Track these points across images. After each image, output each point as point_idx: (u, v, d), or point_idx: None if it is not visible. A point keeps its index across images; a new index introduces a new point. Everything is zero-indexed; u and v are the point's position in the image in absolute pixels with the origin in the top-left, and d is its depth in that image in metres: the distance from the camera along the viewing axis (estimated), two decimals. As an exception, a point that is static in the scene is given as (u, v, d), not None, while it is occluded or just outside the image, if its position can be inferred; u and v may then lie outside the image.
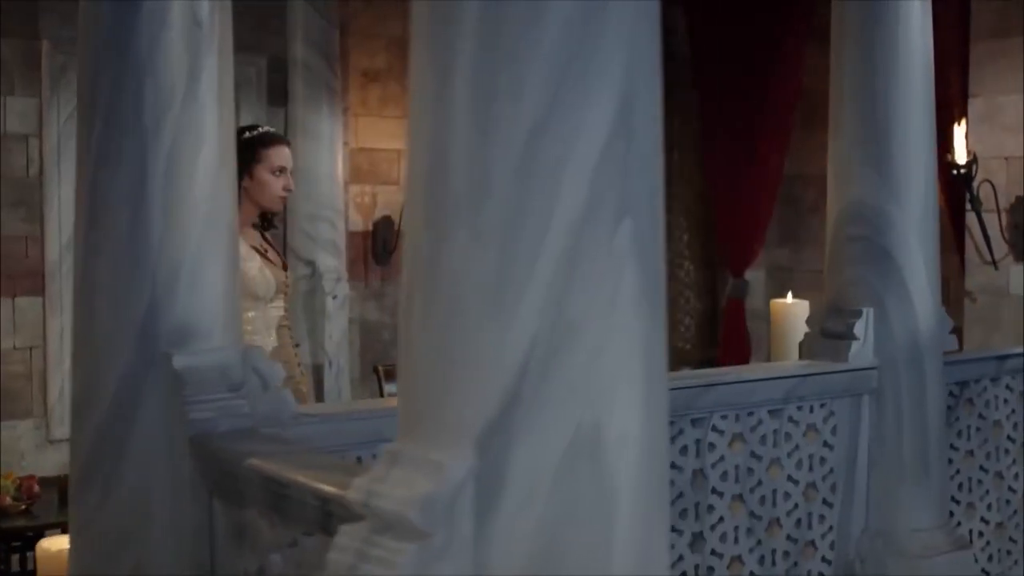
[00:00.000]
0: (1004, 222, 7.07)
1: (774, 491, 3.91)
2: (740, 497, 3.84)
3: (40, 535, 5.00)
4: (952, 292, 7.73)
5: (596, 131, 1.67)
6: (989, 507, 4.51)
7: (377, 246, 7.94)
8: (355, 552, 1.76)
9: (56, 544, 4.19)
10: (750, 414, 3.84)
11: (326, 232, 7.30)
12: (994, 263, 7.08)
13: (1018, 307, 6.99)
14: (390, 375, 6.21)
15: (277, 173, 3.87)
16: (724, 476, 3.79)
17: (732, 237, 8.89)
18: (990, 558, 4.49)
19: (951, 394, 4.40)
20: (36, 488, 5.59)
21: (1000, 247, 7.07)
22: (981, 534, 4.48)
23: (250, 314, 3.79)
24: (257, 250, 3.87)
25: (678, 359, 9.31)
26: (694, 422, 3.72)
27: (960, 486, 4.43)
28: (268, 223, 4.08)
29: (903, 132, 4.05)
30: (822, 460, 4.03)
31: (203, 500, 2.74)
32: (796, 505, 3.96)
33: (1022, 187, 7.03)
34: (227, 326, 2.87)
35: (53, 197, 6.57)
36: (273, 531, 2.46)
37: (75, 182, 2.89)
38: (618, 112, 1.69)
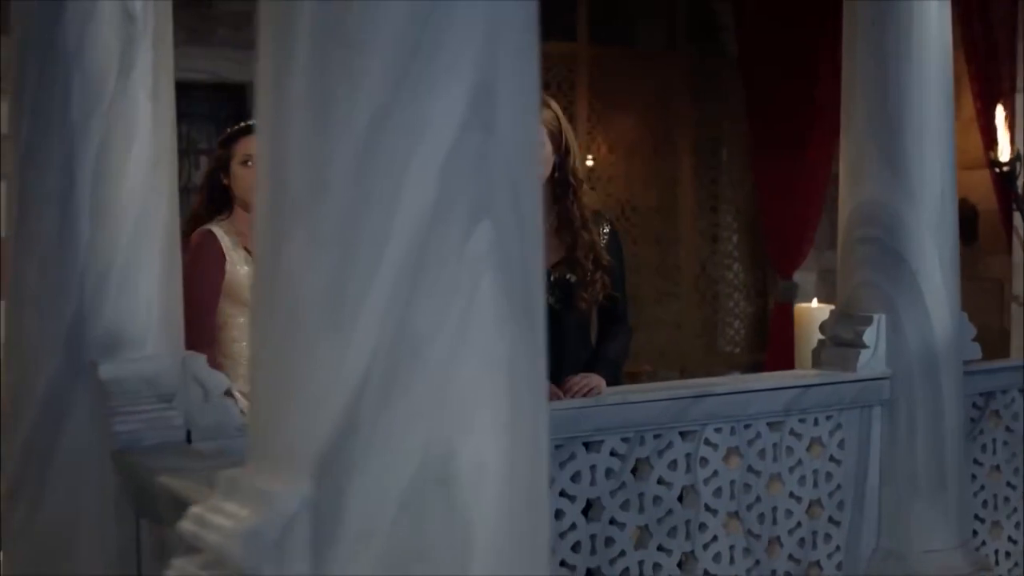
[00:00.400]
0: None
1: (774, 508, 3.69)
2: (736, 515, 3.62)
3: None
4: (1005, 295, 7.42)
5: (445, 123, 1.49)
6: (1017, 525, 4.23)
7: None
8: (182, 591, 1.60)
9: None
10: (747, 427, 3.62)
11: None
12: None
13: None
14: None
15: (250, 163, 3.73)
16: (718, 492, 3.58)
17: (780, 238, 8.63)
18: (1018, 580, 4.23)
19: (975, 405, 4.14)
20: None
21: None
22: (1008, 555, 4.22)
23: (240, 320, 3.65)
24: (251, 252, 3.72)
25: (727, 363, 9.08)
26: (684, 435, 3.51)
27: (985, 503, 4.17)
28: None
29: (917, 128, 3.81)
30: (828, 475, 3.80)
31: (130, 517, 2.60)
32: (799, 523, 3.74)
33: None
34: (161, 333, 2.73)
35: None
36: (184, 553, 2.30)
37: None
38: (472, 102, 1.50)
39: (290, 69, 1.52)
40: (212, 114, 7.22)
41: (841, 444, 3.81)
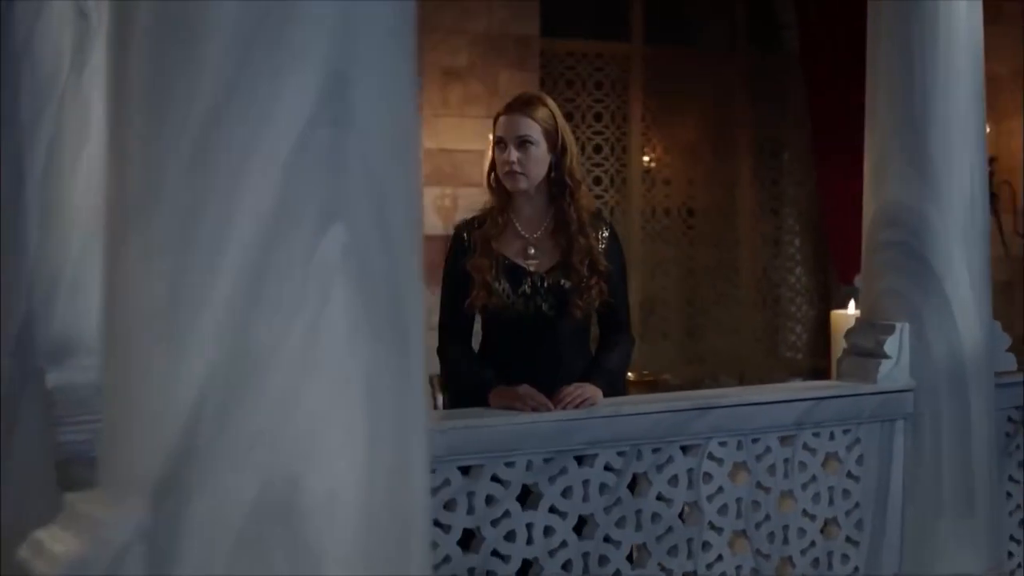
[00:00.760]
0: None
1: (785, 527, 3.50)
2: (743, 533, 3.44)
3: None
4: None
5: (291, 116, 1.36)
6: (1057, 547, 3.99)
7: (459, 250, 7.66)
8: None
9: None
10: (755, 441, 3.43)
11: (396, 236, 7.05)
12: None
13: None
14: (447, 386, 5.92)
15: None
16: (723, 510, 3.40)
17: (842, 242, 8.35)
18: (1058, 605, 3.99)
19: (1009, 419, 3.91)
20: None
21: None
22: (1048, 578, 3.98)
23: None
24: None
25: (788, 368, 8.84)
26: (686, 449, 3.34)
27: (1021, 523, 3.93)
28: None
29: (942, 125, 3.60)
30: (845, 493, 3.60)
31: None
32: (813, 543, 3.54)
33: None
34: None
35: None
36: None
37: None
38: (322, 94, 1.37)
39: (128, 63, 1.40)
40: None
41: (860, 460, 3.61)
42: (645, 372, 7.70)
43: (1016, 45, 7.66)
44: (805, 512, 3.53)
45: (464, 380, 3.41)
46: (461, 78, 7.75)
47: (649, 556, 3.29)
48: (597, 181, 8.53)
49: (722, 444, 3.38)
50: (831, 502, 3.57)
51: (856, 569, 3.60)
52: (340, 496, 1.38)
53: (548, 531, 3.17)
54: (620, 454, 3.24)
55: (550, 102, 3.39)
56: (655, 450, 3.29)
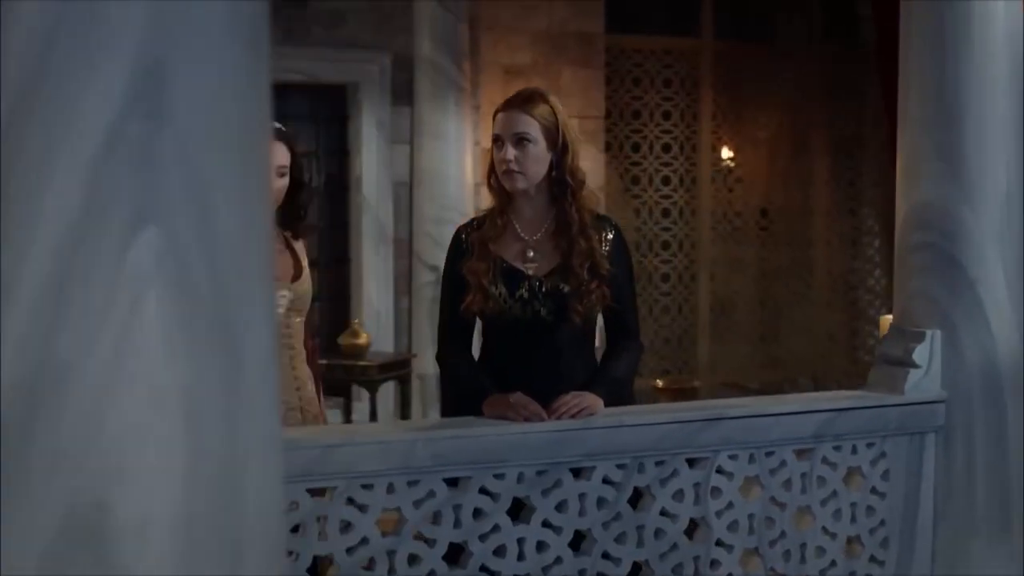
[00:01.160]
0: None
1: (803, 545, 3.32)
2: (756, 551, 3.26)
3: None
4: None
5: (98, 111, 1.25)
6: (1108, 570, 3.74)
7: (519, 251, 7.54)
8: None
9: None
10: (769, 454, 3.26)
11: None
12: None
13: None
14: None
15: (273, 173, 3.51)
16: (734, 526, 3.23)
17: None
18: (1107, 632, 3.73)
19: (1054, 433, 3.66)
20: None
21: None
22: (1097, 603, 3.72)
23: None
24: None
25: (866, 372, 8.54)
26: (692, 462, 3.17)
27: (1067, 544, 3.69)
28: (296, 232, 3.68)
29: (976, 122, 3.39)
30: (869, 510, 3.40)
31: None
32: (833, 562, 3.35)
33: None
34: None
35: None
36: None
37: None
38: (135, 86, 1.26)
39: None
40: (311, 115, 7.11)
41: (885, 475, 3.41)
42: (716, 375, 7.51)
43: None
44: (825, 530, 3.35)
45: (460, 387, 3.29)
46: (523, 76, 7.63)
47: (652, 574, 3.13)
48: (666, 181, 8.37)
49: (732, 457, 3.21)
50: (854, 519, 3.38)
51: (882, 590, 3.41)
52: (155, 520, 1.27)
53: (541, 546, 3.03)
54: (620, 467, 3.09)
55: (552, 99, 3.25)
56: (658, 463, 3.13)
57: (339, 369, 6.34)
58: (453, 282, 3.27)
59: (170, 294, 1.27)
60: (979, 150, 3.40)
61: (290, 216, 3.57)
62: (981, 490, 3.41)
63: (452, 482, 2.97)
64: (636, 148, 8.31)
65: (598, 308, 3.21)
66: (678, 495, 3.16)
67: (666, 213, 8.40)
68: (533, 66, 7.66)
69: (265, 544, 1.39)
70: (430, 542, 2.94)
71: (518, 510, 3.04)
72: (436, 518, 2.94)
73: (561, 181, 3.21)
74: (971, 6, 3.38)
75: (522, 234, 3.26)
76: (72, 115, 1.25)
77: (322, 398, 3.74)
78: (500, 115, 3.22)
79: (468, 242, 3.27)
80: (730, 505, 3.22)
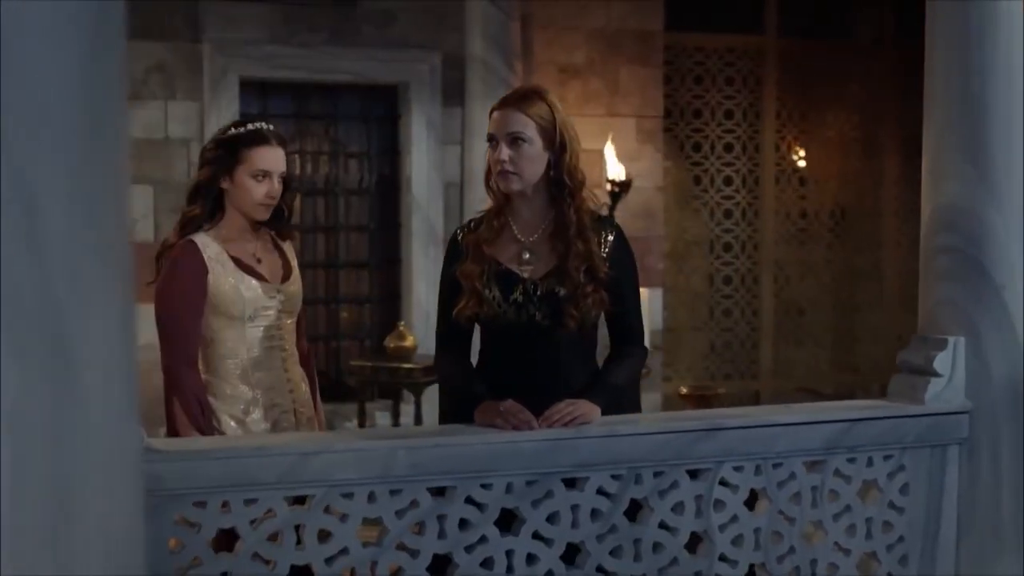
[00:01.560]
0: None
1: (813, 561, 3.18)
2: (763, 566, 3.13)
3: None
4: None
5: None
6: None
7: (576, 253, 7.42)
8: None
9: None
10: (776, 466, 3.12)
11: (503, 238, 6.88)
12: None
13: None
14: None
15: (259, 177, 3.42)
16: (738, 541, 3.10)
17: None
18: None
19: (1088, 446, 3.47)
20: None
21: None
22: None
23: (228, 334, 3.39)
24: (240, 262, 3.44)
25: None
26: (694, 473, 3.05)
27: (1104, 564, 3.50)
28: (282, 232, 3.63)
29: (1004, 119, 3.24)
30: (887, 525, 3.25)
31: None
32: (847, 579, 3.21)
33: None
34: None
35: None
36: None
37: None
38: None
39: None
40: (363, 115, 7.08)
41: (904, 489, 3.25)
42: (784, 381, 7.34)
43: None
44: (838, 545, 3.20)
45: (454, 394, 3.21)
46: (579, 75, 7.53)
47: (651, 589, 3.02)
48: (728, 181, 8.20)
49: (737, 469, 3.08)
50: (869, 535, 3.23)
51: (899, 610, 3.25)
52: (-32, 542, 1.20)
53: (531, 559, 2.94)
54: (615, 477, 2.98)
55: (550, 97, 3.14)
56: (657, 474, 3.01)
57: (384, 372, 6.28)
58: (449, 285, 3.18)
59: (-13, 301, 1.20)
60: (1006, 151, 3.23)
61: (273, 215, 3.51)
62: (1007, 506, 3.25)
63: (440, 492, 2.89)
64: (697, 148, 8.15)
65: (594, 312, 3.10)
66: (678, 507, 3.04)
67: (728, 214, 8.23)
68: (589, 65, 7.54)
69: (109, 562, 1.32)
70: (412, 552, 2.86)
71: (509, 521, 2.95)
72: (419, 528, 2.86)
73: (559, 182, 3.11)
74: (996, 5, 3.23)
75: (519, 236, 3.16)
76: None
77: (318, 400, 3.68)
78: (495, 114, 3.13)
79: (464, 244, 3.18)
80: (734, 518, 3.09)
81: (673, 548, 3.04)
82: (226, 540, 2.80)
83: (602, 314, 3.17)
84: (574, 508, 2.96)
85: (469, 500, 2.88)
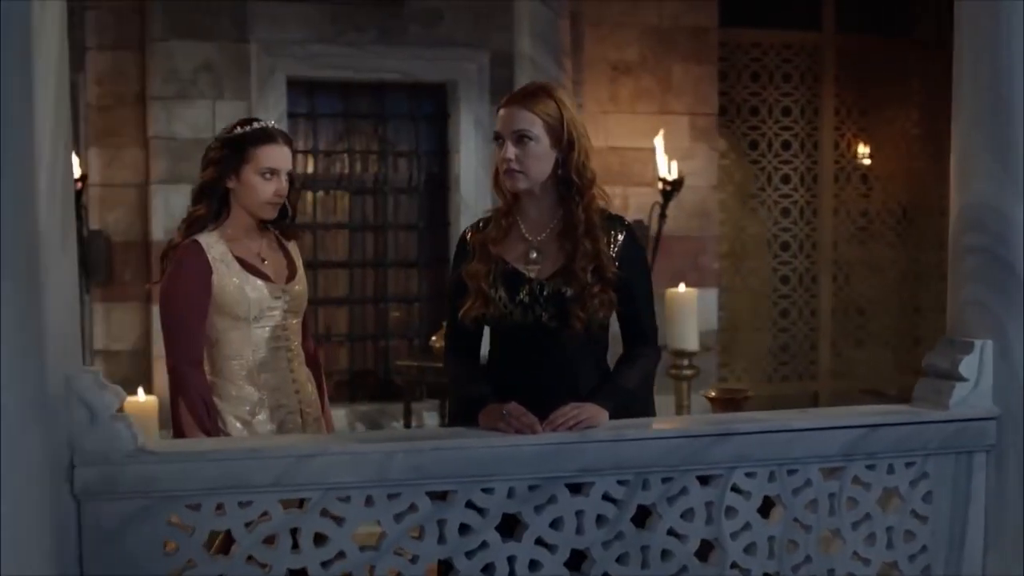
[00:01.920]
0: None
1: (830, 571, 3.08)
2: (778, 575, 3.04)
3: None
4: None
5: None
6: None
7: (629, 252, 7.33)
8: None
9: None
10: (792, 472, 3.03)
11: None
12: None
13: None
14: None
15: (267, 175, 3.40)
16: (751, 549, 3.02)
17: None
18: None
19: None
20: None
21: None
22: None
23: (234, 334, 3.37)
24: (245, 262, 3.42)
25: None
26: (705, 479, 2.97)
27: None
28: (286, 231, 3.59)
29: (1032, 111, 3.10)
30: (908, 534, 3.14)
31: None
32: (867, 589, 3.11)
33: None
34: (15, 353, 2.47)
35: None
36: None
37: None
38: None
39: None
40: (412, 114, 7.05)
41: (927, 497, 3.14)
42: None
43: None
44: (856, 555, 3.11)
45: (461, 396, 3.15)
46: (631, 73, 7.46)
47: (659, 597, 2.95)
48: (785, 179, 8.08)
49: (749, 475, 3.00)
50: (890, 544, 3.13)
51: (923, 622, 3.14)
52: None
53: (534, 565, 2.88)
54: (621, 483, 2.91)
55: (559, 94, 3.08)
56: (665, 479, 2.94)
57: (431, 371, 6.25)
58: (456, 286, 3.14)
59: None
60: (1033, 142, 3.11)
61: (279, 214, 3.49)
62: (1037, 516, 3.13)
63: (440, 496, 2.84)
64: (754, 146, 8.02)
65: (602, 314, 3.03)
66: (687, 514, 2.97)
67: (786, 212, 8.10)
68: (641, 62, 7.45)
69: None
70: (413, 557, 2.82)
71: (512, 527, 2.89)
72: (419, 533, 2.82)
73: (567, 180, 3.05)
74: (1026, -1, 3.10)
75: (527, 235, 3.10)
76: None
77: (326, 400, 3.65)
78: (501, 112, 3.08)
79: (471, 244, 3.13)
80: (747, 526, 3.01)
81: (682, 556, 2.97)
82: (231, 542, 2.79)
83: (613, 315, 3.10)
84: (579, 514, 2.90)
85: (470, 504, 2.84)
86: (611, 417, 2.97)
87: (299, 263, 3.56)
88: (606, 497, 2.91)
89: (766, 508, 3.05)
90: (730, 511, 3.00)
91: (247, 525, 2.72)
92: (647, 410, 3.19)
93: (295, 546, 2.75)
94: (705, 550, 3.02)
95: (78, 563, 2.59)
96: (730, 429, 2.99)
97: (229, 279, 3.36)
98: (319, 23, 6.61)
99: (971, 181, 3.23)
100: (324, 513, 2.76)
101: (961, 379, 3.15)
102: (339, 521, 2.76)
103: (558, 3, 6.87)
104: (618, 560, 2.93)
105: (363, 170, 7.04)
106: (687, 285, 6.33)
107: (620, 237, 3.09)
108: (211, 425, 3.25)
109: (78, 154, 6.55)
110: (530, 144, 3.01)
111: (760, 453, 3.00)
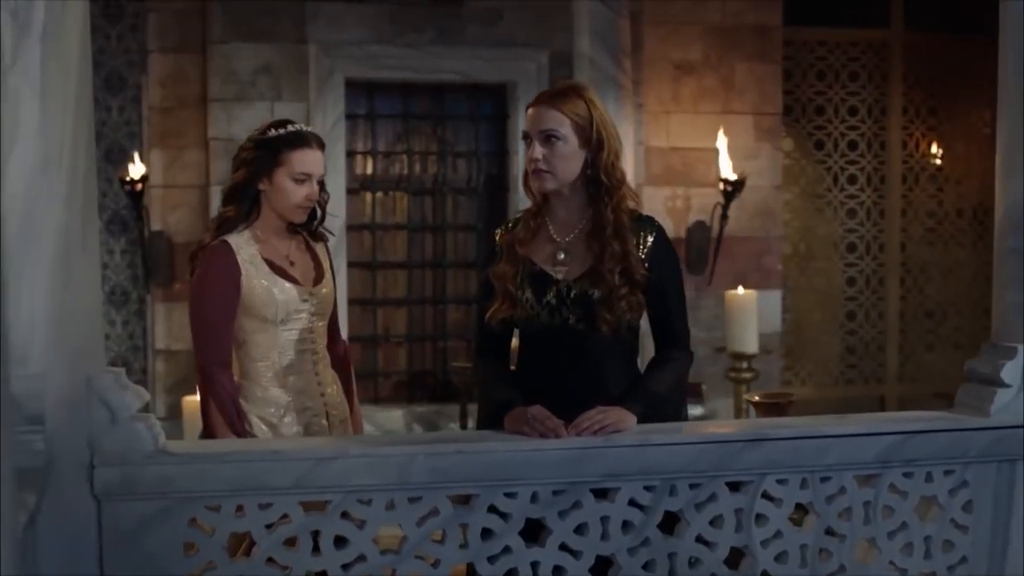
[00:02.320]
0: None
1: (865, 581, 3.01)
2: (811, 585, 2.98)
3: None
4: None
5: None
6: None
7: (691, 254, 7.27)
8: None
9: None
10: (825, 479, 2.96)
11: (609, 239, 6.76)
12: None
13: None
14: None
15: (299, 179, 3.40)
16: (782, 557, 2.95)
17: None
18: None
19: None
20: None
21: None
22: None
23: (261, 336, 3.37)
24: (273, 265, 3.42)
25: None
26: (735, 486, 2.92)
27: None
28: (315, 233, 3.59)
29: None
30: (948, 544, 3.06)
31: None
32: (903, 600, 3.03)
33: None
34: (49, 351, 2.50)
35: (315, 202, 6.53)
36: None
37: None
38: None
39: None
40: (471, 115, 7.04)
41: (968, 506, 3.06)
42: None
43: None
44: (893, 564, 3.03)
45: (488, 399, 3.13)
46: (694, 72, 7.36)
47: (687, 605, 2.90)
48: (852, 180, 7.94)
49: (780, 482, 2.94)
50: (928, 554, 3.05)
51: (963, 635, 3.06)
52: None
53: (558, 571, 2.85)
54: (648, 488, 2.87)
55: (588, 93, 3.04)
56: (693, 485, 2.89)
57: (481, 373, 6.23)
58: (483, 287, 3.11)
59: None
60: (1081, 142, 3.01)
61: (307, 217, 3.49)
62: (1083, 527, 3.03)
63: (463, 500, 2.82)
64: (820, 146, 7.89)
65: (629, 316, 2.99)
66: (716, 521, 2.92)
67: (852, 213, 7.95)
68: (704, 61, 7.36)
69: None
70: (434, 562, 2.80)
71: (536, 532, 2.86)
72: (441, 537, 2.80)
73: (596, 180, 3.01)
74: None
75: (555, 236, 3.07)
76: None
77: (355, 401, 3.64)
78: (530, 111, 3.05)
79: (500, 245, 3.10)
80: (778, 534, 2.95)
81: (711, 563, 2.92)
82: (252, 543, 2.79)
83: (644, 317, 3.06)
84: (604, 519, 2.86)
85: (492, 509, 2.81)
86: (641, 421, 2.93)
87: (326, 266, 3.55)
88: (632, 503, 2.87)
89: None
90: (760, 518, 2.94)
91: (268, 527, 2.72)
92: (679, 414, 3.14)
93: (316, 549, 2.75)
94: (735, 558, 2.97)
95: (98, 563, 2.61)
96: (761, 435, 2.93)
97: (258, 281, 3.36)
98: (378, 24, 6.62)
99: (1014, 181, 3.15)
100: (345, 516, 2.75)
101: (1003, 385, 3.06)
102: (360, 524, 2.75)
103: (617, 3, 6.81)
104: (644, 567, 2.88)
105: (422, 171, 7.03)
106: (750, 286, 6.24)
107: (650, 239, 3.04)
108: (240, 426, 3.26)
109: (141, 156, 6.63)
110: (558, 144, 2.98)
111: (792, 459, 2.94)
